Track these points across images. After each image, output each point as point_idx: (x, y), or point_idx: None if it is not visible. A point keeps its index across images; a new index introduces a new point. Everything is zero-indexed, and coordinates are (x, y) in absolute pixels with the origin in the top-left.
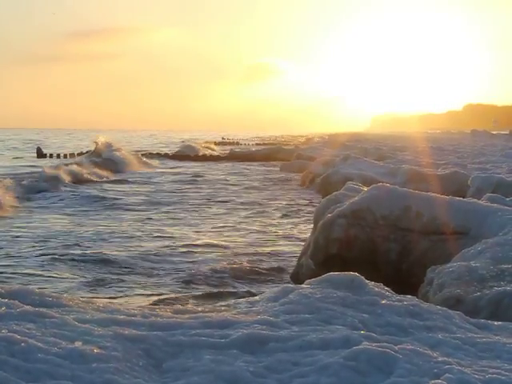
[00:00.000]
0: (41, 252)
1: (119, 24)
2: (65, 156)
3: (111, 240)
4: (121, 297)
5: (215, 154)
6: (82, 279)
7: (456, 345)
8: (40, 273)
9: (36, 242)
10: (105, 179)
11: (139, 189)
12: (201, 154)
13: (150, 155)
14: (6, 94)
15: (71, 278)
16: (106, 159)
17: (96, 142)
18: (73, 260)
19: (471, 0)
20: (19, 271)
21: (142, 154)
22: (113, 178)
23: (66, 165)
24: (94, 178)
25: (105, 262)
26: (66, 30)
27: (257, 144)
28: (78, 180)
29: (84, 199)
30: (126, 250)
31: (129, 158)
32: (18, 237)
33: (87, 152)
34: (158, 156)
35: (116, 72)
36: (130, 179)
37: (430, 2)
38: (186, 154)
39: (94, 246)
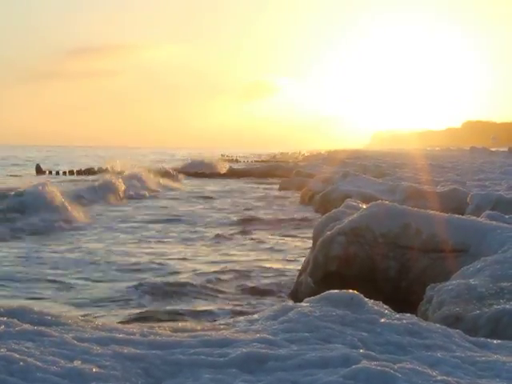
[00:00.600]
0: None
1: (119, 41)
2: (64, 173)
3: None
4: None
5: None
6: None
7: (455, 363)
8: None
9: None
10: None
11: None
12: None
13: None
14: (5, 110)
15: None
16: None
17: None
18: None
19: (470, 18)
20: None
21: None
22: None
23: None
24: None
25: None
26: (65, 47)
27: (256, 161)
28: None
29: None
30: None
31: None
32: None
33: (86, 169)
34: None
35: (116, 89)
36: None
37: (429, 20)
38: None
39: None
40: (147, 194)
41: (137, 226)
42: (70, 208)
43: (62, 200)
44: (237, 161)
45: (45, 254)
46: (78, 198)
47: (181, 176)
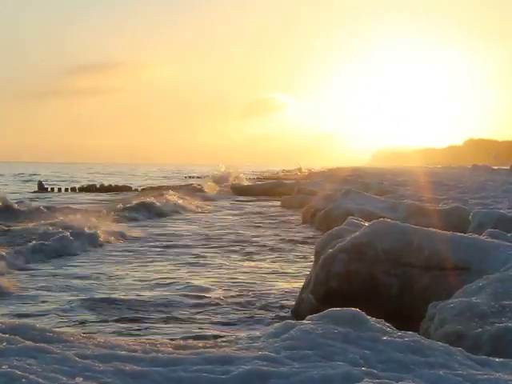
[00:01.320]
0: None
1: (121, 59)
2: (66, 190)
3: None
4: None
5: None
6: None
7: (457, 382)
8: None
9: None
10: None
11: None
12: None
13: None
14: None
15: None
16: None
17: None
18: None
19: (473, 36)
20: None
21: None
22: None
23: None
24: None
25: None
26: (67, 65)
27: (257, 178)
28: None
29: None
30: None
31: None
32: None
33: (88, 186)
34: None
35: (118, 107)
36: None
37: (431, 38)
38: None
39: None
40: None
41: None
42: None
43: None
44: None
45: None
46: None
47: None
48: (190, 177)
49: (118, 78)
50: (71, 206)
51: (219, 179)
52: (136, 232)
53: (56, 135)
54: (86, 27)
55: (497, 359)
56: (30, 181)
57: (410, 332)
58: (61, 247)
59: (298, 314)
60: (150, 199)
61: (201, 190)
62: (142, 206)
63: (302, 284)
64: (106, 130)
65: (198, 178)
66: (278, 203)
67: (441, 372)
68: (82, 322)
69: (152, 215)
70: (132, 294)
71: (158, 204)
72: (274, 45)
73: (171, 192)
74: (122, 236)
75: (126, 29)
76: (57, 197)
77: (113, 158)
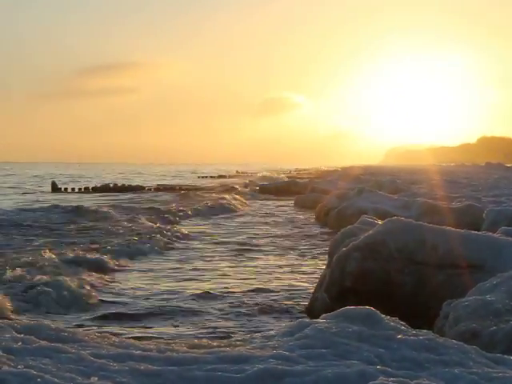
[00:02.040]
0: None
1: (134, 59)
2: (80, 190)
3: None
4: None
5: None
6: None
7: (472, 380)
8: None
9: None
10: None
11: None
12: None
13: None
14: (22, 128)
15: None
16: None
17: None
18: None
19: (486, 33)
20: None
21: None
22: None
23: None
24: None
25: None
26: (81, 66)
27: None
28: None
29: None
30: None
31: None
32: None
33: (102, 186)
34: None
35: (132, 106)
36: None
37: (445, 36)
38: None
39: None
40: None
41: None
42: None
43: None
44: (252, 177)
45: None
46: None
47: None
48: (202, 177)
49: (131, 78)
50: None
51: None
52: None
53: (68, 136)
54: (99, 28)
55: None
56: (44, 180)
57: (425, 330)
58: None
59: (312, 313)
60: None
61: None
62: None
63: (316, 283)
64: (117, 130)
65: (212, 177)
66: (291, 202)
67: (456, 370)
68: None
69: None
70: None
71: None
72: (288, 44)
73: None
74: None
75: (139, 29)
76: (72, 196)
77: (126, 158)
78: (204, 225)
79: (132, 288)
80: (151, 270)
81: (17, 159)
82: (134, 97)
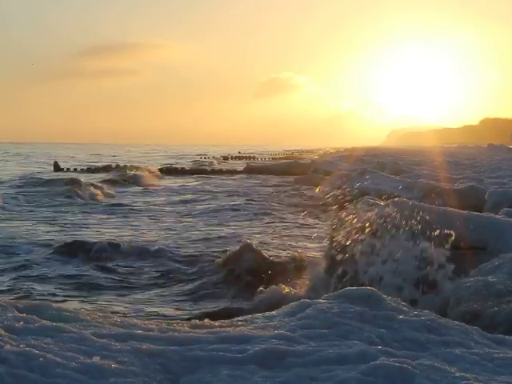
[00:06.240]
0: None
1: (134, 40)
2: (82, 170)
3: None
4: None
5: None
6: None
7: (474, 360)
8: None
9: None
10: None
11: None
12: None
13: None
14: (25, 109)
15: None
16: None
17: None
18: None
19: (488, 16)
20: None
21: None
22: None
23: None
24: None
25: None
26: (82, 46)
27: (273, 158)
28: None
29: None
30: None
31: None
32: None
33: (103, 167)
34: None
35: (132, 87)
36: None
37: (447, 18)
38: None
39: None
40: None
41: None
42: None
43: None
44: (254, 158)
45: None
46: None
47: None
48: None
49: (130, 60)
50: None
51: None
52: None
53: (66, 117)
54: (100, 8)
55: None
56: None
57: (426, 311)
58: None
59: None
60: None
61: None
62: None
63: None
64: (116, 112)
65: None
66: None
67: (457, 351)
68: None
69: None
70: None
71: None
72: (288, 24)
73: None
74: None
75: (138, 10)
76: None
77: (124, 139)
78: None
79: None
80: None
81: (16, 139)
82: (134, 78)
